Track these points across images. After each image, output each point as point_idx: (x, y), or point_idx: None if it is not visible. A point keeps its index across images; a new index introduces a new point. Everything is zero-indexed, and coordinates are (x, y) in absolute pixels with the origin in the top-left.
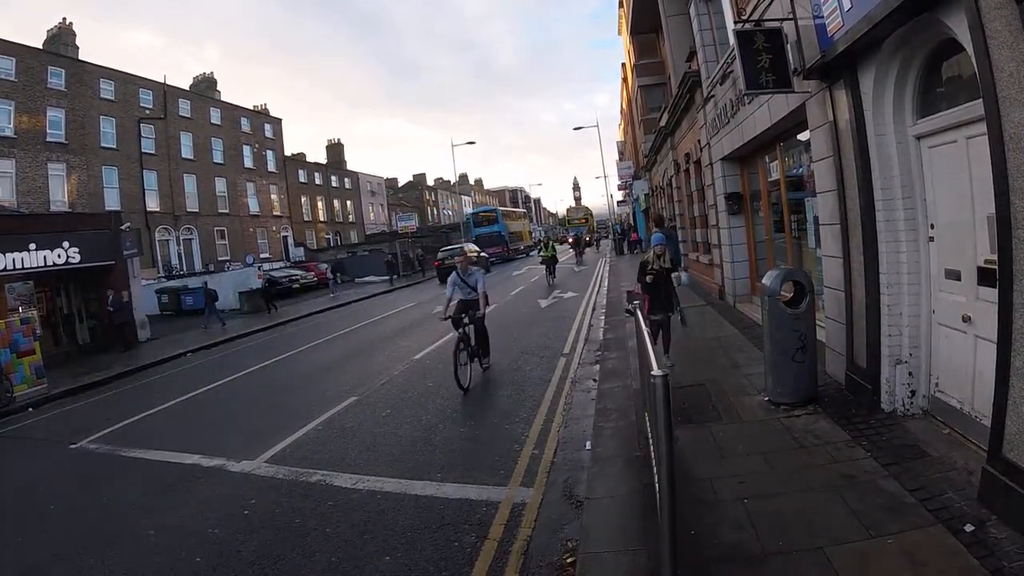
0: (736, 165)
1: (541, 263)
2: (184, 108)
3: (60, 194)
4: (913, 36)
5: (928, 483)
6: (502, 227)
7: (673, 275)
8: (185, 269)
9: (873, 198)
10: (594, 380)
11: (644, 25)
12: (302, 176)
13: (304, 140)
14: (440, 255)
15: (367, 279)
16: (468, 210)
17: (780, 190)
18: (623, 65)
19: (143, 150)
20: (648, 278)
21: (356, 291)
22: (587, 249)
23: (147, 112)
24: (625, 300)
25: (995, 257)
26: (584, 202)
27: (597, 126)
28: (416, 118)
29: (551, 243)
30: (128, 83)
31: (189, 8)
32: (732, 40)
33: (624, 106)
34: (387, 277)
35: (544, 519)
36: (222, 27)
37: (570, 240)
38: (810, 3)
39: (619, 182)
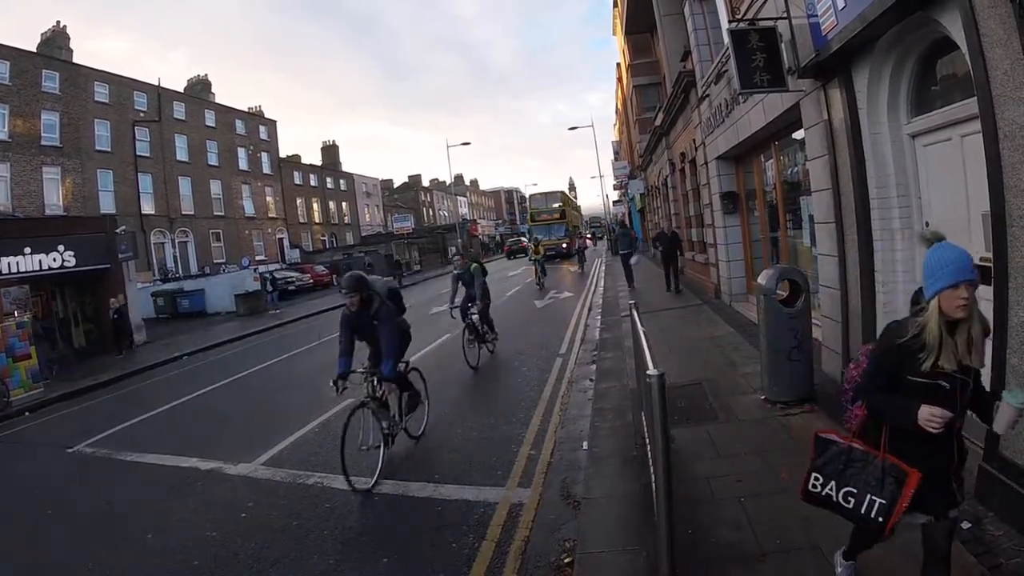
0: (731, 164)
1: None
2: (179, 111)
3: (55, 198)
4: (907, 35)
5: None
6: None
7: (632, 259)
8: (181, 272)
9: (868, 196)
10: (591, 380)
11: (638, 25)
12: (297, 178)
13: (299, 142)
14: (508, 242)
15: None
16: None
17: (775, 188)
18: (618, 65)
19: (138, 153)
20: (932, 422)
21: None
22: (565, 263)
23: (142, 115)
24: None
25: (990, 255)
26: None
27: (592, 126)
28: (411, 119)
29: None
30: (123, 86)
31: (182, 11)
32: (727, 39)
33: (619, 106)
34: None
35: (542, 519)
36: (216, 30)
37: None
38: (804, 2)
39: (615, 182)
